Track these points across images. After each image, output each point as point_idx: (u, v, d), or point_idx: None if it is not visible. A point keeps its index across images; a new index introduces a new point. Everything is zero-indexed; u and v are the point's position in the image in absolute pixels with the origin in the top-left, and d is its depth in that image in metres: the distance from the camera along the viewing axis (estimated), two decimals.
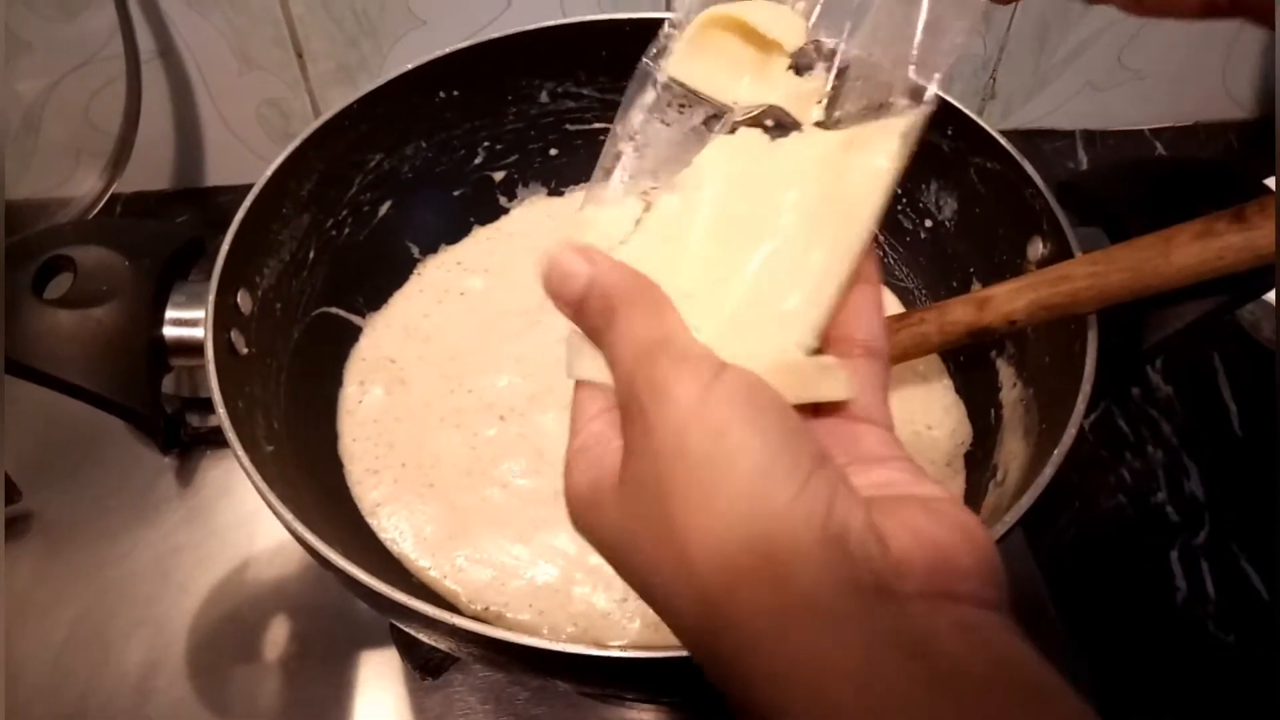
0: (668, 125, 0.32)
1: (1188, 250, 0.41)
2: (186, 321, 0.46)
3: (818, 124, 0.32)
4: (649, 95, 0.32)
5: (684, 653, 0.34)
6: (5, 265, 0.45)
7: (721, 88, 0.33)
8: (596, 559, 0.47)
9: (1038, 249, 0.49)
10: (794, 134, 0.32)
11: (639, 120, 0.32)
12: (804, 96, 0.32)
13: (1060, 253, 0.46)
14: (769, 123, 0.32)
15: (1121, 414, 0.65)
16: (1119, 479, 0.62)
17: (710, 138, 0.32)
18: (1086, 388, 0.41)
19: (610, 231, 0.31)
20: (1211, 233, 0.41)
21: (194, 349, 0.45)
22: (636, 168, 0.32)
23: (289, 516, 0.38)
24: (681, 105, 0.33)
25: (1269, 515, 0.59)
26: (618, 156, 0.32)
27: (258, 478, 0.39)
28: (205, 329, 0.44)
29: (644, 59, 0.33)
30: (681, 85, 0.33)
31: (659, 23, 0.33)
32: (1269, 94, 0.83)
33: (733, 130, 0.32)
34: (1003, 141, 0.50)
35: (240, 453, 0.40)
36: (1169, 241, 0.42)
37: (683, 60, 0.33)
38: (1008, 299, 0.45)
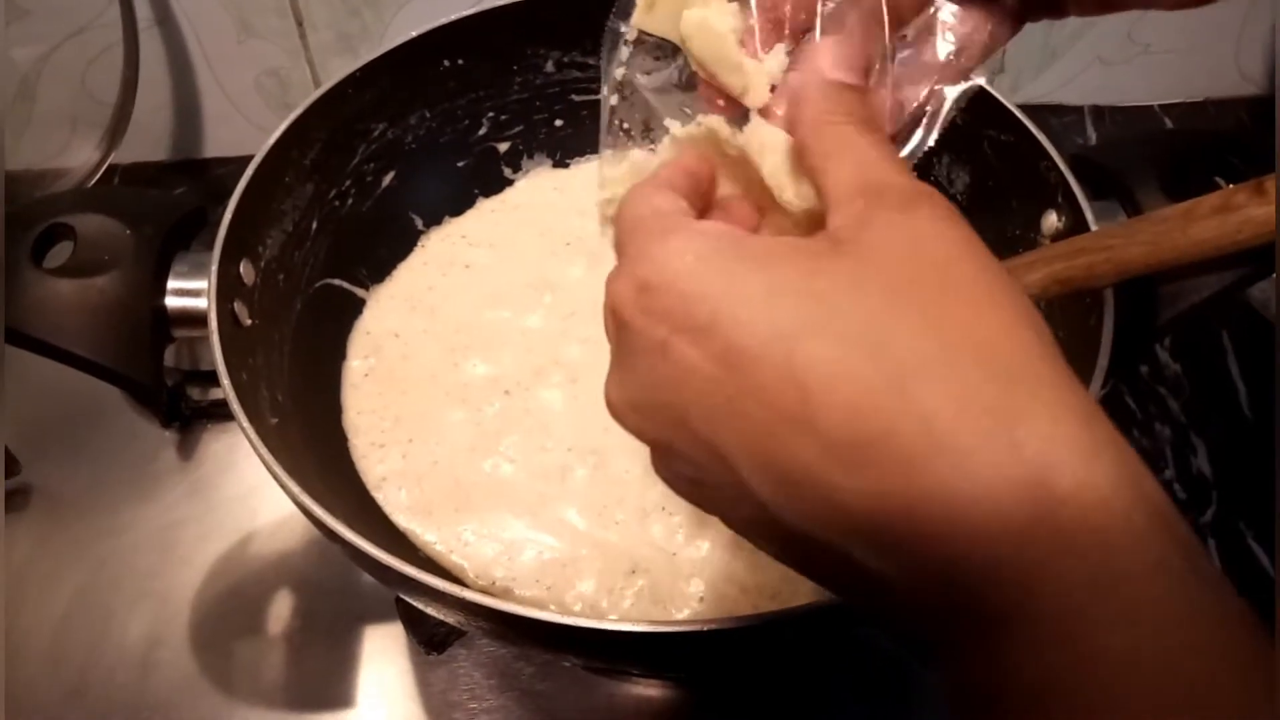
0: (649, 75, 0.33)
1: (1206, 224, 0.40)
2: (189, 292, 0.45)
3: None
4: (622, 52, 0.33)
5: (690, 628, 0.35)
6: (4, 233, 0.44)
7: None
8: (605, 533, 0.48)
9: (1052, 222, 0.48)
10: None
11: (619, 75, 0.33)
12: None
13: (1076, 226, 0.45)
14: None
15: (1129, 391, 0.65)
16: None
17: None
18: (1103, 363, 0.40)
19: (626, 184, 0.32)
20: (1231, 206, 0.40)
21: (197, 319, 0.44)
22: (632, 120, 0.33)
23: (295, 489, 0.38)
24: (657, 55, 0.33)
25: (1276, 494, 0.59)
26: (612, 113, 0.33)
27: (263, 449, 0.39)
28: (208, 299, 0.43)
29: (609, 20, 0.33)
30: (650, 36, 0.33)
31: None
32: None
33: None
34: (1018, 113, 0.49)
35: (245, 424, 0.40)
36: (1187, 215, 0.41)
37: (644, 12, 0.33)
38: (1022, 272, 0.44)
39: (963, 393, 0.20)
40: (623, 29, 0.33)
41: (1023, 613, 0.19)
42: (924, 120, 0.33)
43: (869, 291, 0.22)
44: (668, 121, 0.32)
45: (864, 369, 0.21)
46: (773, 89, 0.31)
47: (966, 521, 0.19)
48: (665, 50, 0.33)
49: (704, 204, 0.30)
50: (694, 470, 0.24)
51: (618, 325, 0.25)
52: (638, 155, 0.33)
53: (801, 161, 0.28)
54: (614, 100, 0.33)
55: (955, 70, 0.32)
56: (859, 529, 0.21)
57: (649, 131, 0.34)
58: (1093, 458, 0.20)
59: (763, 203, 0.31)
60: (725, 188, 0.32)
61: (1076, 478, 0.19)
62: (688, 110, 0.33)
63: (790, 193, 0.29)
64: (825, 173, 0.26)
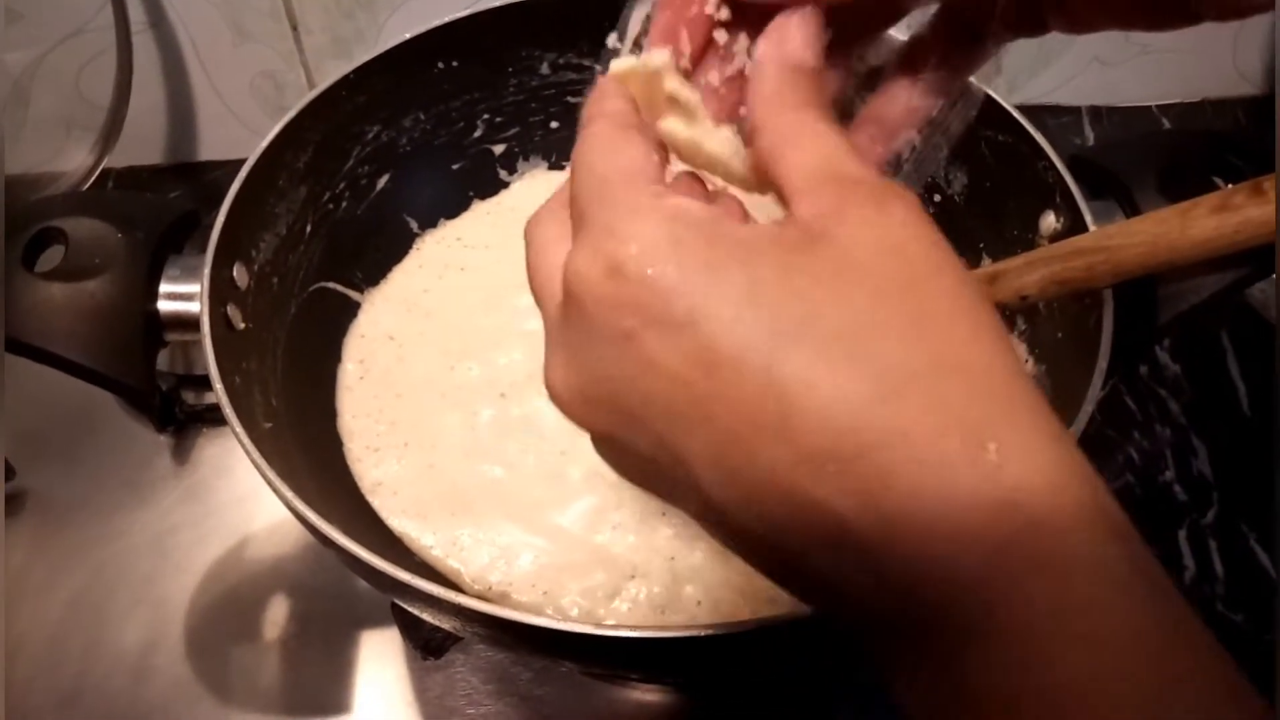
0: None
1: (1205, 224, 0.40)
2: (181, 295, 0.45)
3: None
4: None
5: (688, 633, 0.34)
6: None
7: None
8: (602, 538, 0.47)
9: (1050, 223, 0.48)
10: None
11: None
12: None
13: (1074, 226, 0.45)
14: None
15: (1129, 392, 0.64)
16: (1127, 458, 0.62)
17: None
18: (1103, 364, 0.40)
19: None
20: (1229, 206, 0.40)
21: (189, 323, 0.44)
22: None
23: (289, 494, 0.38)
24: None
25: (1276, 495, 0.59)
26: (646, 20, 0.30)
27: (256, 455, 0.39)
28: (201, 303, 0.43)
29: None
30: None
31: None
32: None
33: None
34: (1015, 114, 0.49)
35: (238, 429, 0.39)
36: (1185, 215, 0.41)
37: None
38: (1019, 274, 0.44)
39: (947, 410, 0.20)
40: None
41: (988, 631, 0.19)
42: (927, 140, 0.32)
43: (853, 293, 0.21)
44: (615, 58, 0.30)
45: (848, 380, 0.20)
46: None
47: (939, 538, 0.19)
48: None
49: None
50: (641, 463, 0.23)
51: (576, 306, 0.23)
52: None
53: (756, 142, 0.26)
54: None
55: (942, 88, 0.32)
56: (825, 537, 0.20)
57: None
58: (1065, 484, 0.20)
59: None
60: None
61: (1050, 502, 0.19)
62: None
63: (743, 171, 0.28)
64: (784, 158, 0.25)
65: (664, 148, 0.28)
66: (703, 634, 0.34)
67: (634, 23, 0.31)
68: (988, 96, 0.51)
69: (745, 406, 0.20)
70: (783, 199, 0.24)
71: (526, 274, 0.26)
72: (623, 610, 0.45)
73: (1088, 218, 0.45)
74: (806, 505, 0.20)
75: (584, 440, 0.52)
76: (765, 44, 0.27)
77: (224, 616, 0.55)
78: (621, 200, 0.23)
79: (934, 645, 0.20)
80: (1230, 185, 0.40)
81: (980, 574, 0.19)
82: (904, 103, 0.32)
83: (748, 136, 0.27)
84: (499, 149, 0.62)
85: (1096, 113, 0.83)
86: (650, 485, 0.25)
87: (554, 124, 0.62)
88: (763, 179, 0.26)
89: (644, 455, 0.23)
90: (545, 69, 0.60)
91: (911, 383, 0.20)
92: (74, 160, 0.72)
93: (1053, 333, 0.48)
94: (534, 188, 0.63)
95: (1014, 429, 0.20)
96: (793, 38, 0.27)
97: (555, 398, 0.24)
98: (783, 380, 0.20)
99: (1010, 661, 0.19)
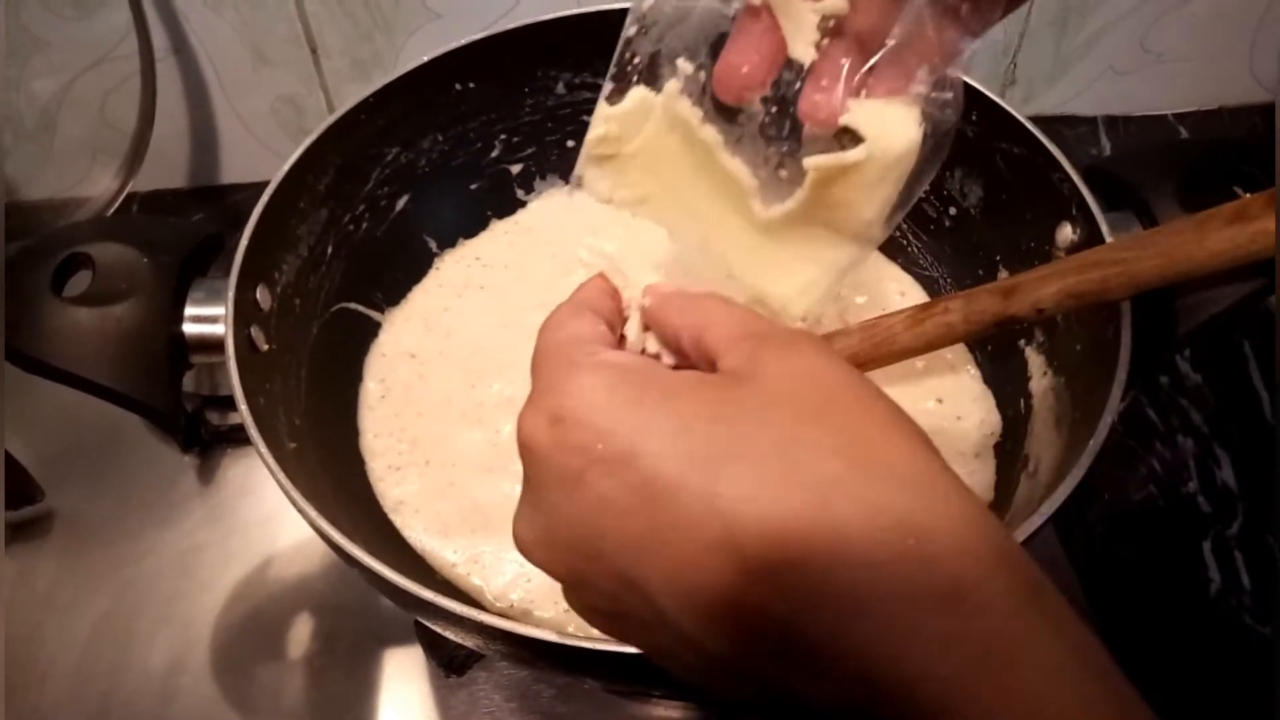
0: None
1: (1222, 235, 0.40)
2: (206, 318, 0.46)
3: None
4: None
5: None
6: (25, 264, 0.45)
7: None
8: None
9: (1067, 235, 0.48)
10: None
11: (648, 4, 0.32)
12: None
13: (1091, 238, 0.45)
14: None
15: (1150, 403, 0.64)
16: (1149, 469, 0.61)
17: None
18: (1122, 375, 0.40)
19: (622, 130, 0.34)
20: (1246, 216, 0.39)
21: (214, 346, 0.45)
22: (642, 53, 0.33)
23: (314, 514, 0.38)
24: None
25: None
26: (626, 44, 0.33)
27: (282, 476, 0.39)
28: (225, 325, 0.44)
29: None
30: None
31: None
32: None
33: None
34: (1030, 126, 0.49)
35: (264, 450, 0.40)
36: (1202, 226, 0.41)
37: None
38: (1036, 286, 0.44)
39: (876, 507, 0.21)
40: None
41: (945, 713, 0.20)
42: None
43: (775, 417, 0.23)
44: (680, 61, 0.32)
45: (782, 491, 0.21)
46: None
47: (886, 633, 0.20)
48: None
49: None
50: (608, 603, 0.25)
51: (530, 459, 0.25)
52: (640, 93, 0.33)
53: (681, 343, 0.29)
54: (632, 30, 0.33)
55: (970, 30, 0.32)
56: (777, 646, 0.21)
57: (655, 69, 0.33)
58: (996, 568, 0.21)
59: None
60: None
61: (988, 588, 0.20)
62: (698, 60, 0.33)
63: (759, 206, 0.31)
64: (706, 336, 0.27)
65: (619, 325, 0.32)
66: None
67: (620, 48, 0.33)
68: (1000, 108, 0.51)
69: (691, 530, 0.22)
70: (713, 369, 0.27)
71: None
72: None
73: (1104, 229, 0.45)
74: (756, 616, 0.21)
75: None
76: (645, 301, 0.32)
77: (249, 636, 0.56)
78: (561, 360, 0.26)
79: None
80: (1248, 194, 0.40)
81: (933, 663, 0.20)
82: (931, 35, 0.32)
83: (671, 345, 0.31)
84: (516, 169, 0.63)
85: (1112, 122, 0.83)
86: (623, 632, 0.26)
87: (570, 143, 0.63)
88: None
89: (609, 595, 0.24)
90: (561, 89, 0.60)
91: (841, 488, 0.21)
92: (99, 185, 0.73)
93: (1071, 345, 0.48)
94: (551, 206, 0.64)
95: (944, 520, 0.21)
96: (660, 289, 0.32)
97: (522, 549, 0.26)
98: (722, 499, 0.21)
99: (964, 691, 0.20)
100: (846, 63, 0.32)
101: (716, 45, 0.32)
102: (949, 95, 0.32)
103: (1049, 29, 0.76)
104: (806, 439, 0.22)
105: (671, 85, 0.33)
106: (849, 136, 0.31)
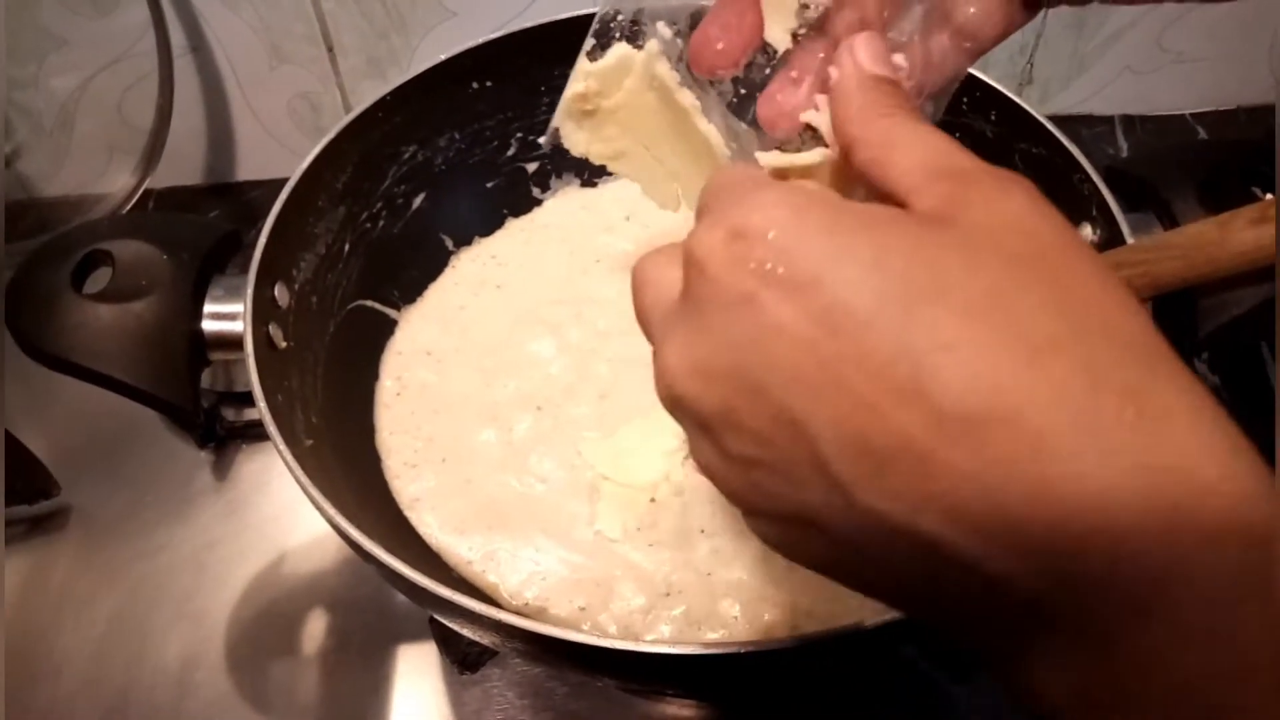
0: None
1: (1244, 236, 0.40)
2: (225, 315, 0.46)
3: None
4: None
5: (727, 650, 0.34)
6: (45, 261, 0.45)
7: None
8: (638, 553, 0.47)
9: (1086, 235, 0.47)
10: None
11: None
12: None
13: (1111, 239, 0.45)
14: None
15: None
16: None
17: None
18: None
19: (601, 85, 0.34)
20: (1268, 217, 0.39)
21: (233, 343, 0.45)
22: (625, 9, 0.33)
23: (332, 511, 0.38)
24: None
25: None
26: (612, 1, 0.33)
27: (300, 474, 0.39)
28: (244, 322, 0.44)
29: None
30: None
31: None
32: None
33: None
34: (1049, 126, 0.49)
35: (282, 447, 0.40)
36: (1224, 227, 0.41)
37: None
38: None
39: (1097, 372, 0.19)
40: None
41: (1159, 609, 0.18)
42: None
43: (985, 263, 0.20)
44: (660, 25, 0.33)
45: (988, 339, 0.19)
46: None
47: (1104, 509, 0.18)
48: None
49: None
50: (754, 447, 0.22)
51: (698, 277, 0.22)
52: (622, 48, 0.33)
53: (855, 157, 0.26)
54: None
55: (966, 52, 0.32)
56: (966, 513, 0.19)
57: (637, 27, 0.33)
58: (1235, 451, 0.19)
59: None
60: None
61: (1223, 469, 0.18)
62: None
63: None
64: (890, 163, 0.24)
65: None
66: (742, 651, 0.34)
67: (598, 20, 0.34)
68: (1020, 108, 0.50)
69: (876, 368, 0.19)
70: (897, 204, 0.23)
71: (634, 303, 0.26)
72: (660, 625, 0.45)
73: (1125, 230, 0.44)
74: (946, 474, 0.19)
75: None
76: (838, 66, 0.28)
77: (263, 631, 0.56)
78: (744, 182, 0.24)
79: (1092, 627, 0.18)
80: (1269, 196, 0.40)
81: (1149, 545, 0.17)
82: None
83: (842, 155, 0.27)
84: (532, 167, 0.63)
85: (1130, 122, 0.82)
86: (753, 481, 0.22)
87: None
88: (872, 190, 0.26)
89: (759, 438, 0.21)
90: None
91: (1057, 346, 0.19)
92: (116, 182, 0.73)
93: None
94: (567, 204, 0.64)
95: (1174, 393, 0.19)
96: (863, 57, 0.27)
97: (669, 377, 0.23)
98: (917, 341, 0.19)
99: (1194, 638, 0.17)
100: (821, 58, 0.31)
101: (697, 16, 0.32)
102: (929, 109, 0.32)
103: (1066, 29, 0.76)
104: (1016, 289, 0.19)
105: (652, 45, 0.33)
106: (811, 132, 0.30)
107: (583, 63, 0.34)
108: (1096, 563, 0.18)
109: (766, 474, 0.22)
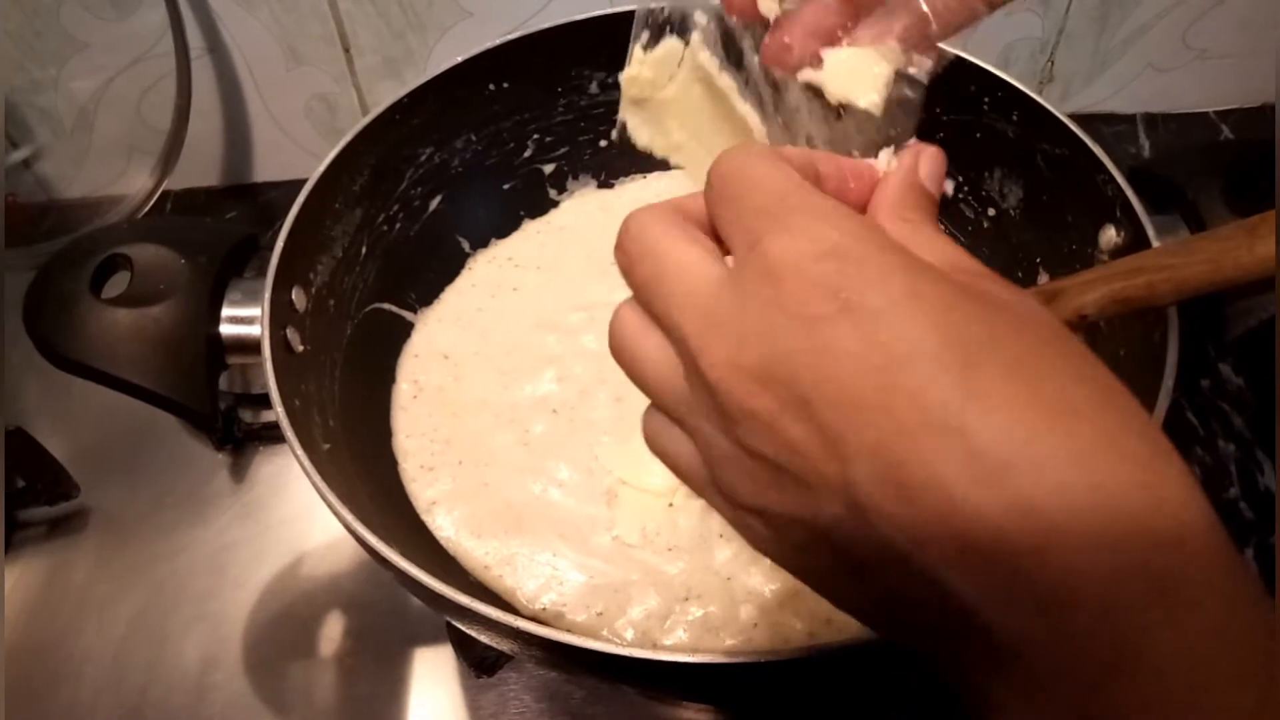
0: None
1: (1271, 240, 0.39)
2: (242, 319, 0.46)
3: None
4: None
5: (746, 659, 0.34)
6: (64, 265, 0.45)
7: None
8: (656, 559, 0.47)
9: (1111, 237, 0.47)
10: None
11: None
12: None
13: (1136, 242, 0.44)
14: None
15: (1190, 407, 0.63)
16: None
17: None
18: (1169, 383, 0.39)
19: (654, 74, 0.36)
20: None
21: (250, 347, 0.45)
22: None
23: (349, 516, 0.38)
24: None
25: None
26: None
27: (317, 478, 0.39)
28: (262, 326, 0.44)
29: None
30: None
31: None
32: None
33: None
34: (1072, 126, 0.48)
35: (299, 452, 0.40)
36: (1252, 231, 0.40)
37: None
38: (1079, 292, 0.43)
39: (1114, 442, 0.21)
40: None
41: (1145, 661, 0.19)
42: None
43: (1024, 328, 0.22)
44: (696, 14, 0.35)
45: (1025, 397, 0.21)
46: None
47: (1105, 558, 0.19)
48: None
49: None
50: (784, 453, 0.22)
51: (776, 284, 0.22)
52: (672, 42, 0.36)
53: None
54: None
55: (923, 39, 0.33)
56: (974, 546, 0.20)
57: (685, 21, 0.35)
58: (1207, 517, 0.21)
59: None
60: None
61: (1206, 540, 0.20)
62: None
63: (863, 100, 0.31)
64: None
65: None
66: (761, 660, 0.33)
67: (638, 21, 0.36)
68: (1043, 108, 0.50)
69: (928, 404, 0.20)
70: None
71: (625, 266, 0.26)
72: (678, 631, 0.45)
73: (1150, 232, 0.44)
74: (964, 510, 0.20)
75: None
76: (899, 159, 0.29)
77: (280, 633, 0.56)
78: (812, 200, 0.24)
79: (1079, 674, 0.19)
80: None
81: (1143, 599, 0.19)
82: None
83: None
84: (549, 168, 0.63)
85: (1152, 120, 0.81)
86: (767, 487, 0.23)
87: (603, 142, 0.63)
88: None
89: (790, 447, 0.22)
90: (594, 88, 0.60)
91: (1084, 409, 0.21)
92: (135, 183, 0.74)
93: (1114, 350, 0.47)
94: (584, 206, 0.64)
95: (1170, 465, 0.21)
96: (923, 170, 0.29)
97: (713, 366, 0.23)
98: (970, 386, 0.21)
99: (1173, 697, 0.19)
100: (833, 4, 0.33)
101: None
102: (928, 63, 0.33)
103: (1088, 25, 0.75)
104: (1048, 360, 0.22)
105: (696, 37, 0.35)
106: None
107: (636, 51, 0.36)
108: (1088, 614, 0.19)
109: (784, 478, 0.23)
